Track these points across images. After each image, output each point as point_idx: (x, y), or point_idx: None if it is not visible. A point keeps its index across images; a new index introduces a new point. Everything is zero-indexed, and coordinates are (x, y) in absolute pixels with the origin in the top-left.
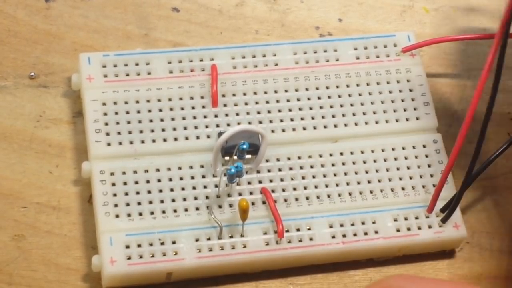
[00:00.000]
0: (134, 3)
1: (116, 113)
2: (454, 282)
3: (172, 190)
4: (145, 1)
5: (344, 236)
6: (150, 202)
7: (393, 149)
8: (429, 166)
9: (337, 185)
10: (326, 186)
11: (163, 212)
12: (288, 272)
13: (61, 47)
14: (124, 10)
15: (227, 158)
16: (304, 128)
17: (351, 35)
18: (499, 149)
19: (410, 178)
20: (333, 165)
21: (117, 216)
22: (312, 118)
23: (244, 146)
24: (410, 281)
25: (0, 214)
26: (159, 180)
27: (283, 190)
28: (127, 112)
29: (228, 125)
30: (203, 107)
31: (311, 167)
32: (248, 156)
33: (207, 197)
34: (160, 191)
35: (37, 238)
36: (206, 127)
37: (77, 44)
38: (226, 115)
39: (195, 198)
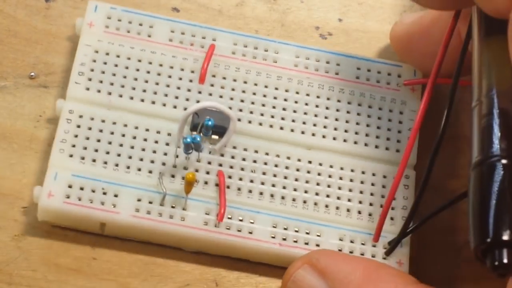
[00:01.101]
0: (134, 3)
1: (105, 63)
2: (367, 260)
3: (132, 147)
4: (145, 1)
5: (284, 239)
6: (107, 153)
7: (362, 172)
8: (394, 199)
9: (295, 189)
10: (284, 187)
11: (116, 165)
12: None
13: (61, 47)
14: None
15: (194, 133)
16: (281, 128)
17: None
18: (438, 208)
19: (370, 204)
20: (297, 170)
21: (70, 155)
22: (293, 121)
23: (210, 123)
24: (327, 255)
25: (0, 214)
26: (123, 135)
27: (240, 179)
28: (115, 65)
29: None
30: (190, 81)
31: (276, 165)
32: (215, 137)
33: (163, 164)
34: (121, 145)
35: (37, 238)
36: (187, 100)
37: (77, 44)
38: (210, 94)
39: (152, 162)
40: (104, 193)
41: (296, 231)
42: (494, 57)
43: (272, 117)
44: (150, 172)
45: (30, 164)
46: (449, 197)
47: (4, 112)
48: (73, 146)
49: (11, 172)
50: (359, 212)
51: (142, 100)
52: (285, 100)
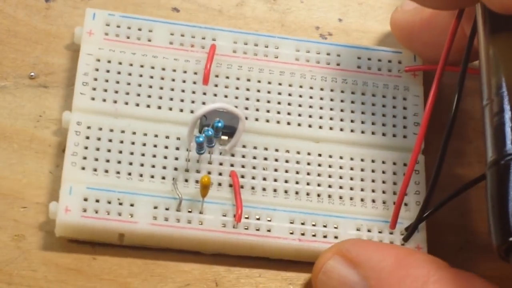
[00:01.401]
0: (134, 3)
1: (107, 71)
2: (398, 246)
3: (143, 155)
4: (145, 1)
5: (302, 234)
6: (119, 162)
7: (372, 161)
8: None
9: (307, 183)
10: (297, 182)
11: (129, 174)
12: (288, 272)
13: (61, 47)
14: (124, 10)
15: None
16: (288, 123)
17: (355, 43)
18: (472, 181)
19: (383, 192)
20: (308, 164)
21: (83, 168)
22: (299, 115)
23: (219, 124)
24: (356, 245)
25: (0, 214)
26: (133, 143)
27: (253, 178)
28: (118, 72)
29: None
30: (194, 82)
31: (286, 161)
32: (224, 138)
33: (175, 169)
34: (131, 153)
35: (37, 238)
36: (192, 102)
37: (77, 44)
38: (215, 94)
39: (164, 167)
40: (120, 204)
41: (314, 225)
42: (502, 55)
43: (278, 113)
44: (164, 178)
45: (30, 164)
46: (456, 182)
47: (4, 112)
48: (85, 158)
49: (11, 172)
50: (373, 201)
51: (148, 106)
52: (290, 95)
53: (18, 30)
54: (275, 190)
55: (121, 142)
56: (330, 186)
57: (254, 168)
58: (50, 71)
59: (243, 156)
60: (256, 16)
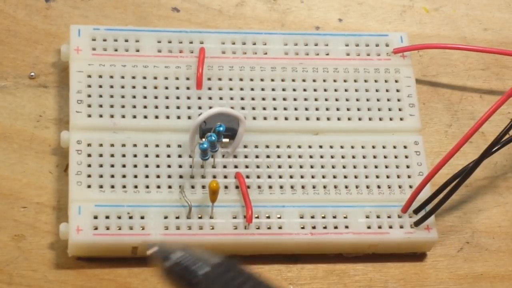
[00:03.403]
0: (134, 3)
1: (100, 86)
2: None
3: (147, 166)
4: (145, 1)
5: (313, 227)
6: (124, 176)
7: (373, 147)
8: (407, 167)
9: (312, 177)
10: (302, 177)
11: (135, 187)
12: (288, 272)
13: (61, 47)
14: (124, 10)
15: (204, 139)
16: (286, 118)
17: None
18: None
19: (387, 177)
20: (311, 157)
21: (89, 186)
22: (295, 109)
23: (221, 128)
24: None
25: (0, 214)
26: (135, 156)
27: (258, 177)
28: (111, 86)
29: (210, 108)
30: (188, 88)
31: (289, 156)
32: (225, 140)
33: (180, 177)
34: (135, 166)
35: (37, 238)
36: (188, 108)
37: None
38: (210, 98)
39: (169, 176)
40: (131, 217)
41: (323, 217)
42: None
43: (275, 109)
44: (170, 187)
45: (30, 164)
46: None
47: (4, 112)
48: (89, 176)
49: (11, 172)
50: (379, 187)
51: (146, 117)
52: (284, 90)
53: (18, 30)
54: (281, 187)
55: (123, 156)
56: (335, 177)
57: (258, 167)
58: (50, 71)
59: (246, 157)
60: (256, 16)
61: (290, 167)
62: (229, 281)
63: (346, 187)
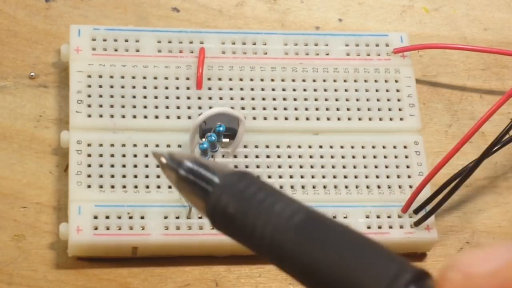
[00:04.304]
0: (134, 3)
1: (100, 86)
2: None
3: (147, 166)
4: (145, 1)
5: None
6: (124, 176)
7: (373, 147)
8: (407, 167)
9: (312, 176)
10: (302, 177)
11: (135, 187)
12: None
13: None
14: (124, 10)
15: (204, 139)
16: (286, 118)
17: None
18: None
19: (387, 177)
20: (311, 157)
21: (88, 186)
22: (296, 109)
23: (221, 128)
24: None
25: (0, 214)
26: (135, 156)
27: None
28: (111, 86)
29: (210, 108)
30: (188, 88)
31: (289, 157)
32: (226, 140)
33: None
34: (135, 166)
35: (37, 238)
36: (188, 108)
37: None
38: (210, 98)
39: None
40: (131, 217)
41: None
42: None
43: (275, 109)
44: (170, 187)
45: (30, 164)
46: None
47: (4, 112)
48: (89, 176)
49: (11, 172)
50: (379, 187)
51: (146, 117)
52: (284, 90)
53: (18, 30)
54: (281, 187)
55: (123, 156)
56: (335, 177)
57: (258, 167)
58: (50, 71)
59: (246, 156)
60: (256, 16)
61: (290, 167)
62: (244, 190)
63: (346, 187)
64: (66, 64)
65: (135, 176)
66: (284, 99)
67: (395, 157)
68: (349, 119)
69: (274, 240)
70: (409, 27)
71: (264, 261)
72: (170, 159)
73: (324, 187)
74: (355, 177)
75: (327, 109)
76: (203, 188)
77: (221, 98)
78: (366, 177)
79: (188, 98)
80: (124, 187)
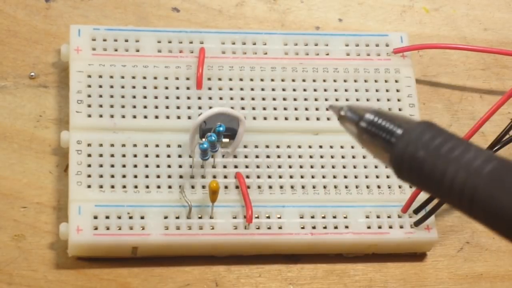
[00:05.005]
0: (134, 3)
1: (100, 86)
2: None
3: (147, 166)
4: (145, 1)
5: (313, 228)
6: (124, 176)
7: None
8: None
9: (312, 177)
10: (302, 177)
11: (135, 187)
12: (288, 272)
13: (61, 47)
14: (124, 10)
15: (204, 139)
16: (286, 118)
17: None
18: None
19: (387, 177)
20: (311, 157)
21: (89, 186)
22: (296, 109)
23: (221, 129)
24: None
25: (0, 214)
26: (135, 156)
27: (258, 177)
28: (111, 86)
29: (210, 108)
30: (188, 88)
31: (289, 156)
32: (225, 140)
33: (181, 177)
34: (135, 166)
35: (37, 238)
36: (188, 108)
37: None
38: (210, 98)
39: (169, 176)
40: (131, 217)
41: (324, 217)
42: None
43: (275, 109)
44: (170, 187)
45: (30, 164)
46: None
47: (4, 112)
48: (89, 176)
49: (11, 172)
50: (379, 187)
51: (146, 117)
52: (284, 90)
53: (18, 30)
54: (281, 187)
55: (123, 156)
56: (335, 177)
57: (258, 167)
58: (50, 71)
59: (246, 156)
60: (256, 16)
61: (290, 167)
62: (430, 139)
63: (346, 187)
64: (66, 64)
65: (135, 176)
66: (284, 99)
67: None
68: None
69: (467, 184)
70: (409, 27)
71: (264, 261)
72: (350, 111)
73: (324, 187)
74: (355, 177)
75: (327, 109)
76: (386, 140)
77: (221, 98)
78: (366, 177)
79: (188, 98)
80: (124, 187)
